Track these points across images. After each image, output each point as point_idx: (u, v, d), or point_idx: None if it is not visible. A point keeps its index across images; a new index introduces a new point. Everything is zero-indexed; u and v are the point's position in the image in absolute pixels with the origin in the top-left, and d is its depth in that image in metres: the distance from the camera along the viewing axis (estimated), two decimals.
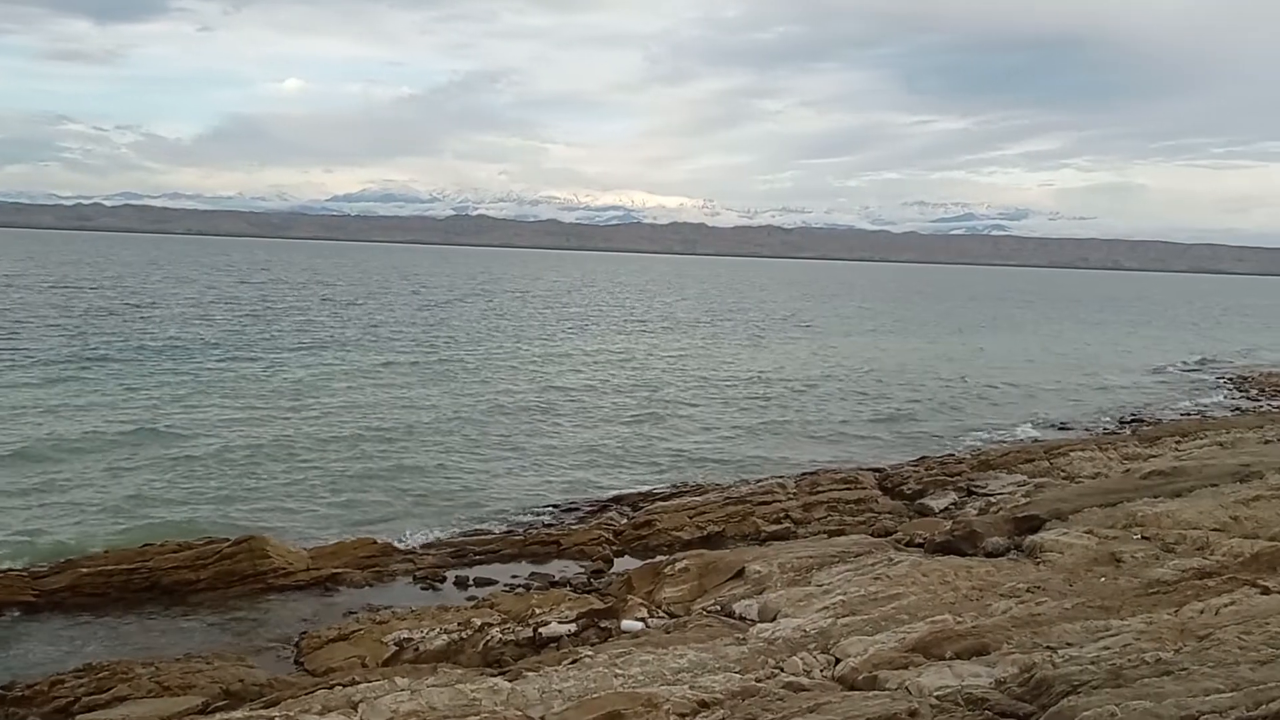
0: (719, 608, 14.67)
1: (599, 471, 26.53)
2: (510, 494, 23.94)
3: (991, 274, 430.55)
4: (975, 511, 21.12)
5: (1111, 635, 11.06)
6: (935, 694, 9.89)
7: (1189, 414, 38.29)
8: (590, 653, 12.19)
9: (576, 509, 22.89)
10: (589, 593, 16.59)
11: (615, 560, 19.21)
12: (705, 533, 20.48)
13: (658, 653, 11.86)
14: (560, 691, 10.77)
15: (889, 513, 22.01)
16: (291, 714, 10.33)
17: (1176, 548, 15.17)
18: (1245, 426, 30.03)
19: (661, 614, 15.04)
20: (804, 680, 10.91)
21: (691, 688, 10.53)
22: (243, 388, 35.82)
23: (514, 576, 18.16)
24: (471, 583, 17.76)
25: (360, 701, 10.47)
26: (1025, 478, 24.35)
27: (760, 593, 14.75)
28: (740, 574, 15.74)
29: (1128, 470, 23.48)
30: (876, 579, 14.63)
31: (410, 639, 14.05)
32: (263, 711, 10.67)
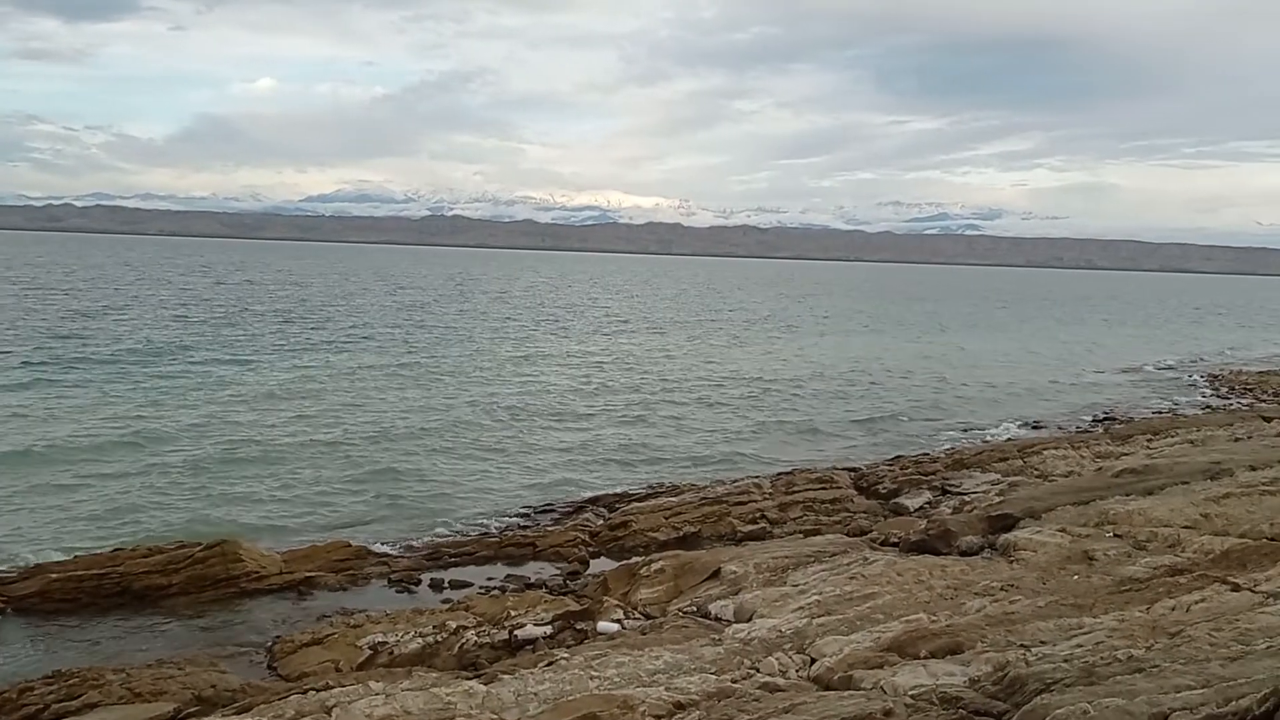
0: (695, 609, 14.68)
1: (576, 472, 26.48)
2: (486, 496, 23.86)
3: (966, 273, 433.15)
4: (950, 510, 21.22)
5: (1084, 633, 11.13)
6: (910, 693, 9.92)
7: (1161, 412, 38.63)
8: (566, 655, 12.17)
9: (552, 510, 22.84)
10: (565, 594, 16.54)
11: (591, 562, 19.17)
12: (681, 533, 20.48)
13: (634, 654, 11.85)
14: (536, 694, 10.74)
15: (864, 512, 22.08)
16: (264, 719, 10.26)
17: (1148, 545, 15.31)
18: (1216, 424, 30.33)
19: (637, 615, 15.02)
20: (780, 681, 10.92)
21: (667, 689, 10.53)
22: (218, 391, 35.53)
23: (489, 579, 18.09)
24: (447, 585, 17.68)
25: (334, 706, 10.41)
26: (999, 476, 24.48)
27: (736, 593, 14.77)
28: (716, 574, 15.75)
29: (1100, 468, 23.65)
30: (852, 578, 14.67)
31: (385, 642, 13.97)
32: (235, 717, 10.61)
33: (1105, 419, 37.02)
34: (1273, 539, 14.65)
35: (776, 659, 11.52)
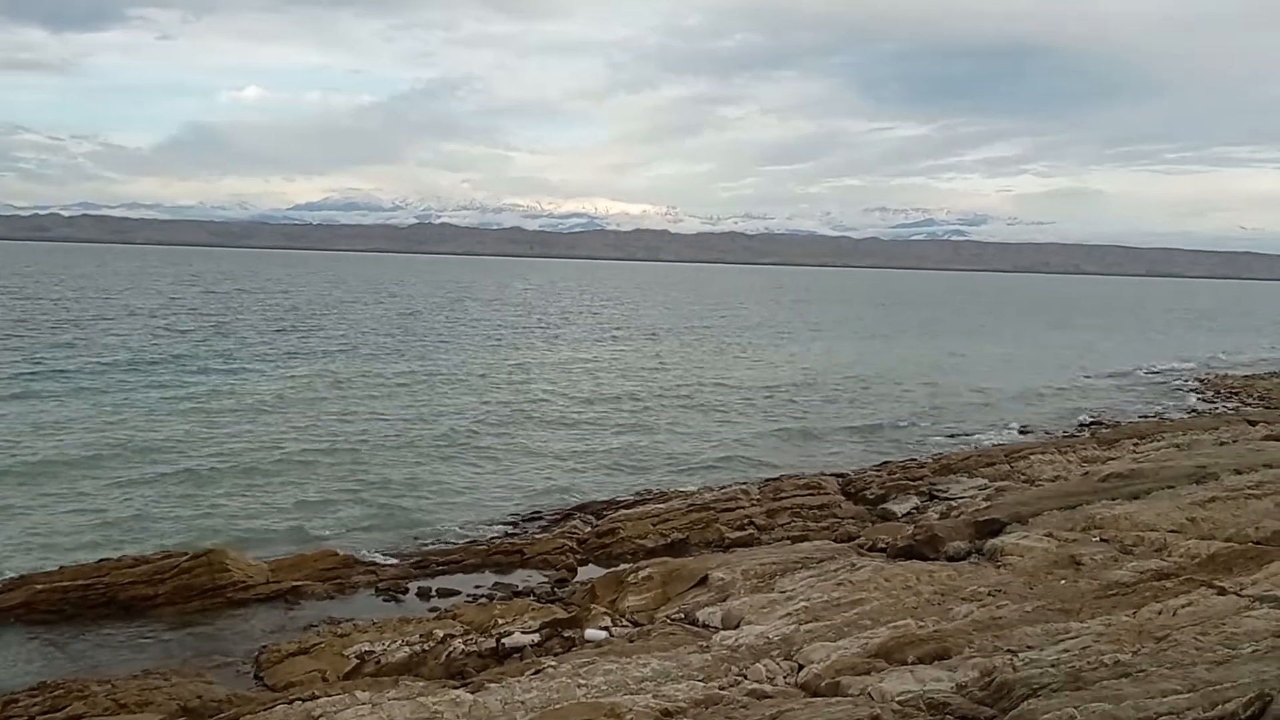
0: (683, 615, 14.67)
1: (564, 479, 26.44)
2: (474, 504, 23.83)
3: (953, 279, 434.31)
4: (937, 516, 21.23)
5: (1071, 638, 11.15)
6: (897, 699, 9.91)
7: (1147, 416, 38.77)
8: (553, 663, 12.15)
9: (540, 518, 22.79)
10: (552, 602, 16.53)
11: (579, 569, 19.14)
12: (669, 540, 20.48)
13: (621, 662, 11.83)
14: (523, 703, 10.72)
15: (852, 518, 22.10)
16: None
17: (1134, 549, 15.33)
18: (1201, 428, 30.46)
19: (625, 623, 15.00)
20: (767, 687, 10.91)
21: (655, 696, 10.51)
22: (207, 401, 35.40)
23: (477, 587, 18.04)
24: (434, 594, 17.63)
25: (320, 716, 10.37)
26: (986, 481, 24.53)
27: (724, 600, 14.77)
28: (704, 581, 15.75)
29: (1087, 473, 23.73)
30: (839, 584, 14.68)
31: (371, 651, 13.93)
32: None
33: (1092, 423, 37.15)
34: (1258, 542, 14.70)
35: (764, 666, 11.51)
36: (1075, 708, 8.52)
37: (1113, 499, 18.57)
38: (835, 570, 15.61)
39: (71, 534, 20.11)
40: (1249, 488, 18.34)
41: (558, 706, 10.37)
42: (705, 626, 13.94)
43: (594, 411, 37.04)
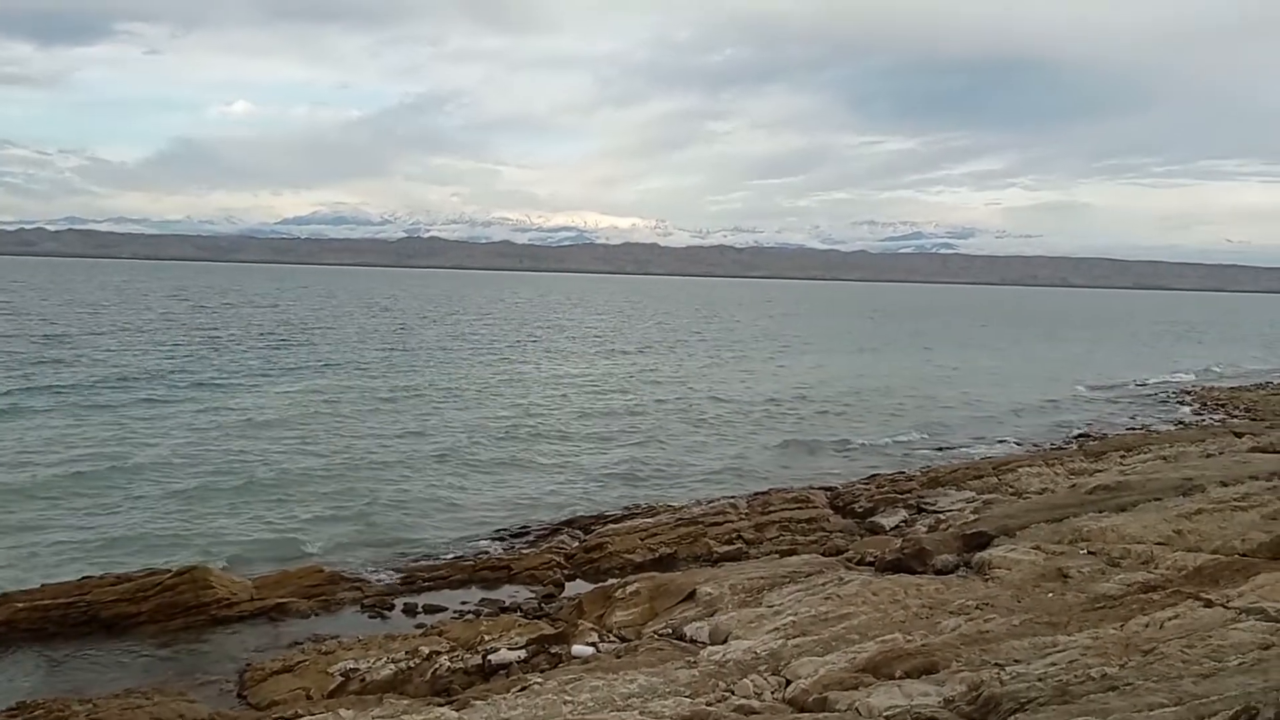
0: (670, 631, 14.59)
1: (552, 494, 26.31)
2: (461, 519, 23.70)
3: (942, 292, 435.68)
4: (925, 529, 21.22)
5: (1058, 651, 11.11)
6: (885, 714, 9.87)
7: (1134, 429, 38.86)
8: (540, 679, 12.07)
9: (528, 533, 22.68)
10: (539, 618, 16.44)
11: (567, 584, 19.03)
12: (657, 554, 20.41)
13: (608, 678, 11.75)
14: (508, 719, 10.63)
15: (840, 531, 22.06)
16: None
17: (1122, 562, 15.33)
18: (1188, 440, 30.52)
19: (613, 638, 14.91)
20: (754, 703, 10.85)
21: (641, 713, 10.44)
22: (194, 417, 35.21)
23: (464, 603, 17.93)
24: (420, 610, 17.52)
25: None
26: (974, 494, 24.53)
27: (711, 615, 14.69)
28: (692, 596, 15.67)
29: (1074, 485, 23.71)
30: (827, 599, 14.63)
31: (356, 669, 13.81)
32: None
33: (1079, 436, 37.21)
34: (1244, 555, 14.71)
35: (751, 681, 11.45)
36: None
37: (1100, 511, 18.56)
38: (823, 584, 15.55)
39: (54, 551, 19.92)
40: (1235, 500, 18.35)
41: None
42: (693, 642, 13.86)
43: (581, 426, 36.95)
